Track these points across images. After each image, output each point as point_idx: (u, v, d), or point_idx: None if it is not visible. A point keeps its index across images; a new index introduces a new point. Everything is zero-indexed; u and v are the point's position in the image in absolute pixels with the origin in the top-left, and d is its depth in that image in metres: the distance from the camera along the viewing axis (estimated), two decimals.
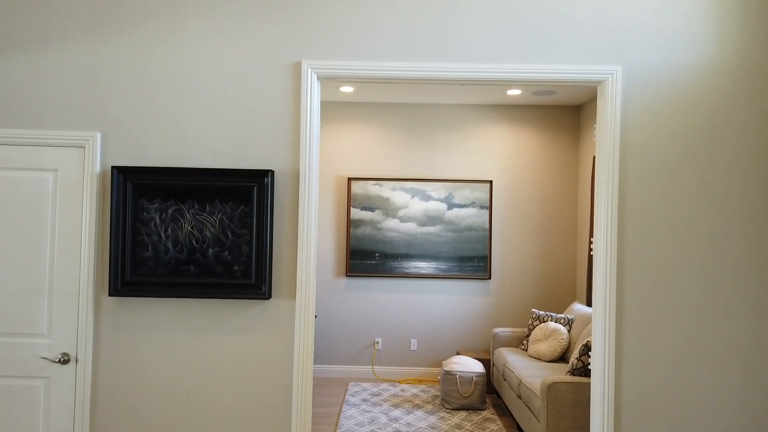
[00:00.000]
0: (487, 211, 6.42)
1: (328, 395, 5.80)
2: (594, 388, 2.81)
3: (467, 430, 4.85)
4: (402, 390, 5.98)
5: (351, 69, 2.79)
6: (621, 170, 2.79)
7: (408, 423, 4.98)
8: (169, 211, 2.77)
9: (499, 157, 6.47)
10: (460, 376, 5.36)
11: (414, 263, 6.43)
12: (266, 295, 2.75)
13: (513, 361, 5.20)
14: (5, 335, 2.78)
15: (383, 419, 5.06)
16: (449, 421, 5.04)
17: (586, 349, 4.11)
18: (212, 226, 2.77)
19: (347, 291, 6.49)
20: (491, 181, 6.42)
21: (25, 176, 2.79)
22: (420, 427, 4.88)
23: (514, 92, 5.91)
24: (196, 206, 2.77)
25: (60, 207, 2.79)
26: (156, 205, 2.77)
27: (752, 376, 2.78)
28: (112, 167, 2.74)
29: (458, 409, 5.36)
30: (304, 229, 2.79)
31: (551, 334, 5.40)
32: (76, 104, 2.81)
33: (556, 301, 6.44)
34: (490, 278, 6.42)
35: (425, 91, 6.00)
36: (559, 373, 4.79)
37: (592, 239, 5.61)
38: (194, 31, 2.81)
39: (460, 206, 6.43)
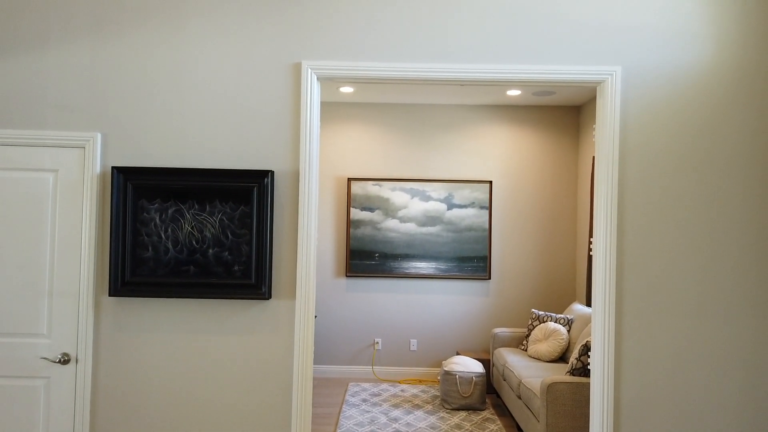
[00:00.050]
0: (487, 212, 6.42)
1: (327, 395, 5.81)
2: (593, 388, 2.82)
3: (467, 430, 4.86)
4: (402, 390, 5.98)
5: (351, 69, 2.80)
6: (620, 170, 2.79)
7: (408, 423, 4.98)
8: (169, 211, 2.77)
9: (498, 158, 6.47)
10: (459, 377, 5.36)
11: (414, 263, 6.44)
12: (266, 296, 2.75)
13: (513, 361, 5.21)
14: (5, 335, 2.78)
15: (383, 419, 5.06)
16: (449, 422, 5.04)
17: (586, 349, 4.11)
18: (212, 226, 2.77)
19: (347, 291, 6.50)
20: (491, 182, 6.43)
21: (26, 177, 2.79)
22: (420, 428, 4.89)
23: (513, 93, 5.91)
24: (196, 206, 2.77)
25: (60, 207, 2.80)
26: (156, 205, 2.77)
27: (752, 377, 2.78)
28: (113, 168, 2.75)
29: (458, 410, 5.36)
30: (304, 230, 2.79)
31: (551, 334, 5.40)
32: (76, 105, 2.81)
33: (556, 302, 6.45)
34: (489, 278, 6.43)
35: (425, 92, 6.00)
36: (559, 374, 4.79)
37: (591, 239, 5.62)
38: (194, 31, 2.81)
39: (460, 206, 6.44)
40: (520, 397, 4.67)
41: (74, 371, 2.79)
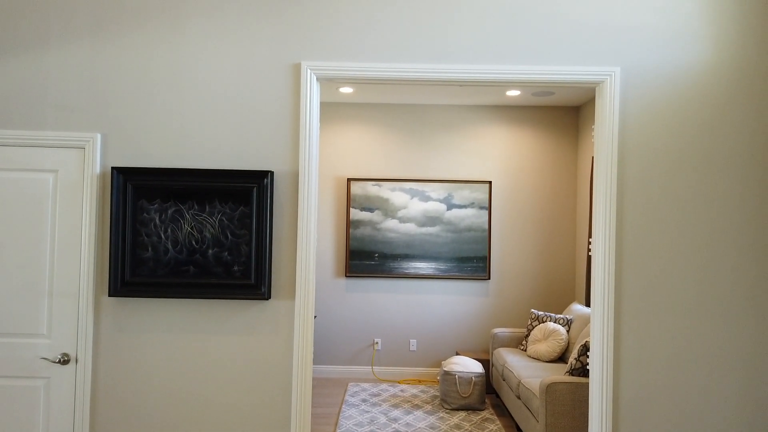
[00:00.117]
0: (487, 212, 6.43)
1: (327, 395, 5.81)
2: (592, 387, 2.82)
3: (466, 430, 4.86)
4: (401, 390, 5.99)
5: (350, 70, 2.80)
6: (620, 171, 2.80)
7: (407, 423, 4.99)
8: (169, 211, 2.77)
9: (498, 158, 6.48)
10: (459, 377, 5.36)
11: (413, 264, 6.44)
12: (266, 296, 2.76)
13: (512, 361, 5.21)
14: (5, 335, 2.79)
15: (383, 419, 5.07)
16: (448, 422, 5.05)
17: (585, 349, 4.12)
18: (212, 226, 2.77)
19: (347, 291, 6.50)
20: (490, 182, 6.43)
21: (26, 177, 2.80)
22: (419, 428, 4.89)
23: (513, 93, 5.92)
24: (196, 207, 2.77)
25: (60, 208, 2.80)
26: (156, 205, 2.78)
27: (750, 376, 2.79)
28: (112, 168, 2.75)
29: (457, 410, 5.36)
30: (304, 230, 2.80)
31: (550, 334, 5.40)
32: (76, 105, 2.81)
33: (555, 302, 6.45)
34: (489, 279, 6.43)
35: (424, 92, 6.01)
36: (558, 374, 4.79)
37: (590, 239, 5.62)
38: (194, 31, 2.82)
39: (460, 207, 6.44)
40: (519, 397, 4.67)
41: (74, 371, 2.79)
